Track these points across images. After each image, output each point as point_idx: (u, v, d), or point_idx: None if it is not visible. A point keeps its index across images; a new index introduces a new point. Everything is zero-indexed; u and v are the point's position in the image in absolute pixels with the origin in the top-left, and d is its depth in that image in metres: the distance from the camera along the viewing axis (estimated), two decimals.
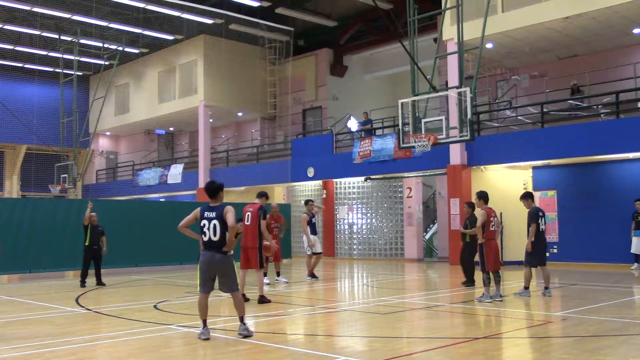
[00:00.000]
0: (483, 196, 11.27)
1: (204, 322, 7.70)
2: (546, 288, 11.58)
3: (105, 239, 14.73)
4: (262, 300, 10.93)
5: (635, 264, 16.43)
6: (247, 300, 10.88)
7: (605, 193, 18.05)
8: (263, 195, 11.89)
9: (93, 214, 14.56)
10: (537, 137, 18.67)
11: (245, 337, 7.66)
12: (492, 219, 10.90)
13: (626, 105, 18.17)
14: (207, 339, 7.55)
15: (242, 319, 7.79)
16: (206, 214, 7.70)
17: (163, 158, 36.09)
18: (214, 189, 7.84)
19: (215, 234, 7.61)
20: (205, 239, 7.68)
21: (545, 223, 11.60)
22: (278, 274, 14.95)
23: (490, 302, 10.71)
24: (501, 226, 11.66)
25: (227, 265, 7.70)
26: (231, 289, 7.80)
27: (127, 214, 19.24)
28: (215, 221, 7.61)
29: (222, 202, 7.89)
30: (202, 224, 7.72)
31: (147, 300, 11.82)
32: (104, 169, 37.86)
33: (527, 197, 11.86)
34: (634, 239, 16.15)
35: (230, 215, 7.59)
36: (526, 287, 11.50)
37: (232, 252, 7.75)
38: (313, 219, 15.52)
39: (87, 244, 14.47)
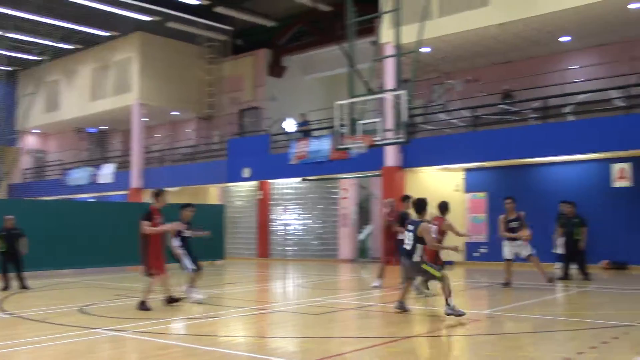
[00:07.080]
0: (417, 204, 11.17)
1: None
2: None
3: (26, 239, 14.15)
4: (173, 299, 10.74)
5: (558, 263, 16.99)
6: (177, 300, 10.68)
7: (532, 195, 18.61)
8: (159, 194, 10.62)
9: (10, 216, 13.99)
10: (469, 140, 19.14)
11: (458, 315, 8.62)
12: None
13: (554, 111, 18.84)
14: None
15: (447, 300, 8.77)
16: (409, 226, 9.28)
17: (94, 157, 35.05)
18: (423, 206, 9.28)
19: (408, 244, 9.15)
20: (404, 245, 9.27)
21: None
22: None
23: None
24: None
25: (415, 269, 9.28)
26: (431, 279, 9.81)
27: (55, 214, 18.49)
28: (411, 234, 9.14)
29: (424, 217, 9.28)
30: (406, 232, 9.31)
31: (74, 303, 11.42)
32: (30, 168, 36.47)
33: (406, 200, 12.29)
34: (559, 240, 16.69)
35: (427, 238, 9.05)
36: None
37: (420, 257, 9.11)
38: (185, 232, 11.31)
39: (3, 250, 13.94)
